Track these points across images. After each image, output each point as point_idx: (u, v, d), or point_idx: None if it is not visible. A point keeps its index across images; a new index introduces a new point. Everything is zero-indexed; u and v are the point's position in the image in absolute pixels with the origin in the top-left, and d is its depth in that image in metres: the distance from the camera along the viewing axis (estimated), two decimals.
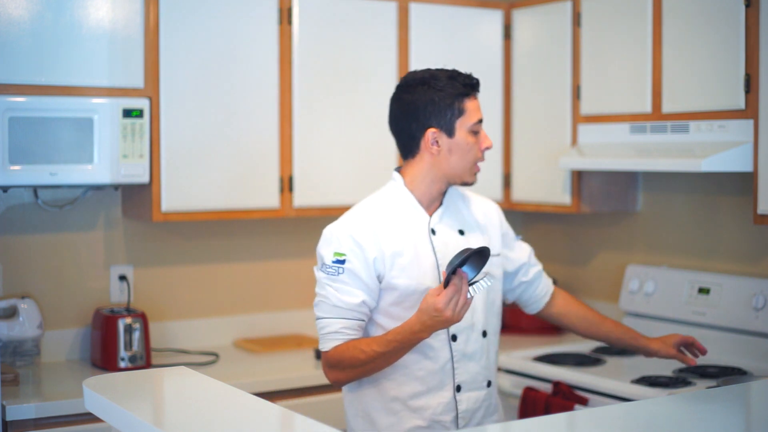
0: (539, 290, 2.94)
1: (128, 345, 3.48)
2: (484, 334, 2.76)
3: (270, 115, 3.69)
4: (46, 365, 3.56)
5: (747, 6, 3.22)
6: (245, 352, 3.84)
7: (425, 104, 2.67)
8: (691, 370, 3.37)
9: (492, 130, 4.03)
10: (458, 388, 2.70)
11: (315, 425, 2.09)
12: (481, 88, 2.79)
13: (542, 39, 4.01)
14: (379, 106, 3.91)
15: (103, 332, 3.51)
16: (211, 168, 3.59)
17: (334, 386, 2.74)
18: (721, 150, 3.23)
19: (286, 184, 3.73)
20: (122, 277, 3.74)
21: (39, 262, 3.63)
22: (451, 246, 2.70)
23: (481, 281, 2.48)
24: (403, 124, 2.72)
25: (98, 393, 2.34)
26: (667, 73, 3.49)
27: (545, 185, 3.98)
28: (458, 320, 2.47)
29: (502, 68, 4.13)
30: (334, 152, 3.82)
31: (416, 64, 3.95)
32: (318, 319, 2.66)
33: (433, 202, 2.76)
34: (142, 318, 3.54)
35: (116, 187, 3.63)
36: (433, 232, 2.72)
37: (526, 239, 3.58)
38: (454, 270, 2.43)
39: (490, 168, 4.08)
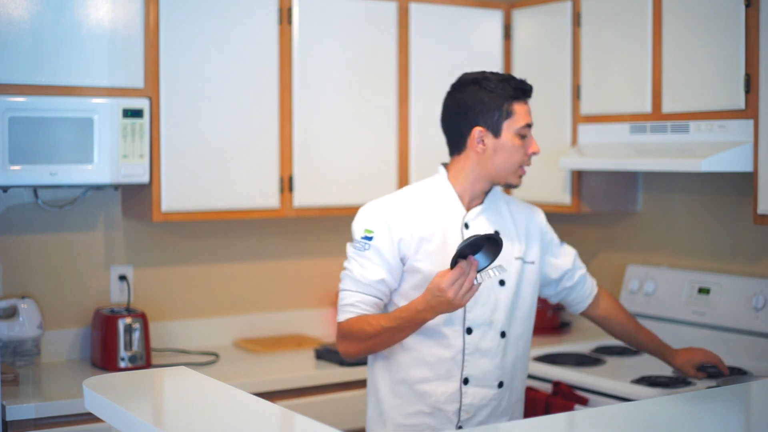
0: (582, 292, 3.03)
1: (128, 345, 3.48)
2: (503, 334, 2.79)
3: (270, 115, 3.69)
4: (46, 365, 3.56)
5: (747, 6, 3.22)
6: (245, 352, 3.84)
7: (474, 103, 2.75)
8: None
9: None
10: (466, 381, 2.74)
11: (315, 425, 2.09)
12: None
13: (542, 39, 4.01)
14: (379, 106, 3.91)
15: (103, 332, 3.51)
16: (211, 168, 3.59)
17: (344, 358, 2.80)
18: (721, 150, 3.23)
19: (286, 184, 3.73)
20: (122, 277, 3.74)
21: (39, 262, 3.63)
22: None
23: (489, 269, 2.51)
24: (452, 121, 2.80)
25: (98, 393, 2.34)
26: (667, 73, 3.49)
27: (545, 185, 3.98)
28: (461, 305, 2.52)
29: (502, 68, 4.13)
30: (334, 152, 3.82)
31: (416, 64, 3.95)
32: (340, 290, 2.76)
33: (473, 200, 2.82)
34: (142, 318, 3.54)
35: (116, 187, 3.63)
36: (467, 226, 2.78)
37: None
38: (464, 255, 2.47)
39: None
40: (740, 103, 3.25)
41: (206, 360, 3.67)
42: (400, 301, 2.74)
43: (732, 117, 3.28)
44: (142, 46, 3.47)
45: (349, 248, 2.77)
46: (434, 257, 2.72)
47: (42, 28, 3.30)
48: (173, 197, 3.53)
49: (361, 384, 3.59)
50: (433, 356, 2.74)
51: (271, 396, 3.37)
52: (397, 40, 3.93)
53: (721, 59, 3.30)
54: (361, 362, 3.61)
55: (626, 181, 4.03)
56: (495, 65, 4.11)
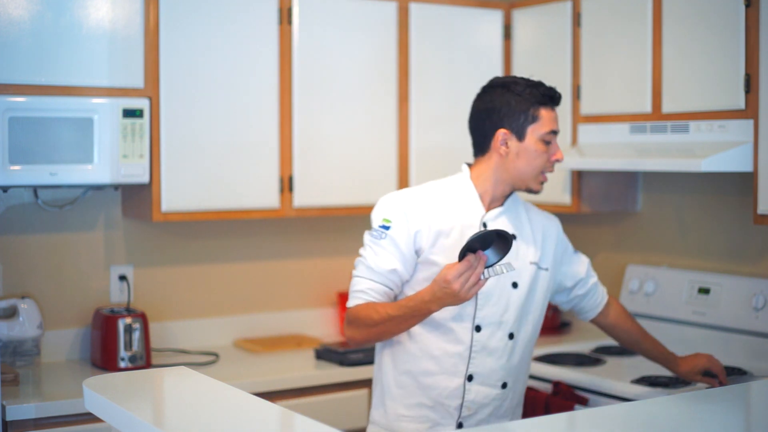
0: (594, 301, 3.06)
1: (128, 345, 3.48)
2: (511, 336, 2.80)
3: (270, 115, 3.69)
4: (46, 365, 3.56)
5: (747, 6, 3.22)
6: (245, 352, 3.84)
7: (501, 106, 2.77)
8: None
9: None
10: (470, 378, 2.76)
11: (315, 425, 2.09)
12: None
13: (542, 39, 4.01)
14: (379, 106, 3.91)
15: (103, 332, 3.51)
16: (211, 168, 3.59)
17: (349, 344, 2.82)
18: (721, 150, 3.23)
19: (286, 184, 3.73)
20: (122, 277, 3.74)
21: (39, 262, 3.63)
22: None
23: (497, 266, 2.52)
24: (478, 122, 2.83)
25: (98, 393, 2.34)
26: (667, 73, 3.49)
27: (545, 185, 3.97)
28: (466, 298, 2.53)
29: (502, 68, 4.13)
30: (334, 152, 3.82)
31: (416, 64, 3.95)
32: (353, 276, 2.78)
33: (494, 202, 2.84)
34: (142, 318, 3.54)
35: (116, 187, 3.63)
36: (484, 225, 2.79)
37: None
38: (474, 250, 2.48)
39: None
40: (740, 103, 3.25)
41: (206, 360, 3.67)
42: (412, 293, 2.75)
43: (732, 117, 3.28)
44: (142, 46, 3.47)
45: (366, 236, 2.80)
46: (450, 252, 2.74)
47: (42, 28, 3.30)
48: (173, 197, 3.53)
49: (361, 384, 3.59)
50: (440, 350, 2.75)
51: (271, 396, 3.37)
52: (397, 40, 3.93)
53: (721, 59, 3.30)
54: (362, 362, 3.62)
55: (626, 181, 4.03)
56: (495, 65, 4.11)
